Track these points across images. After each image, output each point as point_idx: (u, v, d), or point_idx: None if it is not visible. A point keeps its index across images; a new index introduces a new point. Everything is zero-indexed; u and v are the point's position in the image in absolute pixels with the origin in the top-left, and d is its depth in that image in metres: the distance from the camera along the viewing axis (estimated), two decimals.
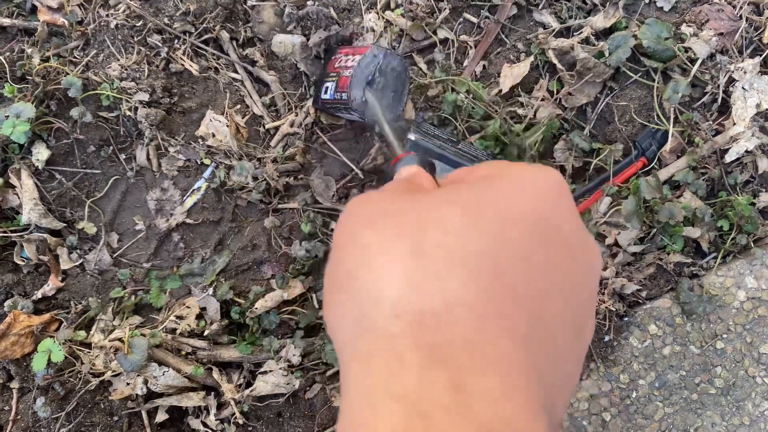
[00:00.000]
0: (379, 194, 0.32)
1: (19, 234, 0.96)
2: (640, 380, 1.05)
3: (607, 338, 1.03)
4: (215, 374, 0.96)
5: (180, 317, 0.97)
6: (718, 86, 1.00)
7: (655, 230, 1.01)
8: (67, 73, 0.94)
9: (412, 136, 0.93)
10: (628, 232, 1.01)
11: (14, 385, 0.95)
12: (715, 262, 1.05)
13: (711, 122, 1.01)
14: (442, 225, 0.27)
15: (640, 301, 1.05)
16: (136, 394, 0.94)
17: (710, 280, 1.05)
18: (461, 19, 1.05)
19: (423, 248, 0.26)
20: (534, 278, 0.27)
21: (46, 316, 0.96)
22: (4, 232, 0.96)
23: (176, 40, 0.98)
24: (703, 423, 1.06)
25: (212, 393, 0.97)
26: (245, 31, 1.00)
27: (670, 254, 1.03)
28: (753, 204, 1.03)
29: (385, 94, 0.92)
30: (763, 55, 0.99)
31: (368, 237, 0.28)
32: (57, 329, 0.96)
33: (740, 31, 1.00)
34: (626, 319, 1.04)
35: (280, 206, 1.01)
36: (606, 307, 1.00)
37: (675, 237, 1.03)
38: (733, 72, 1.00)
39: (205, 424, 0.96)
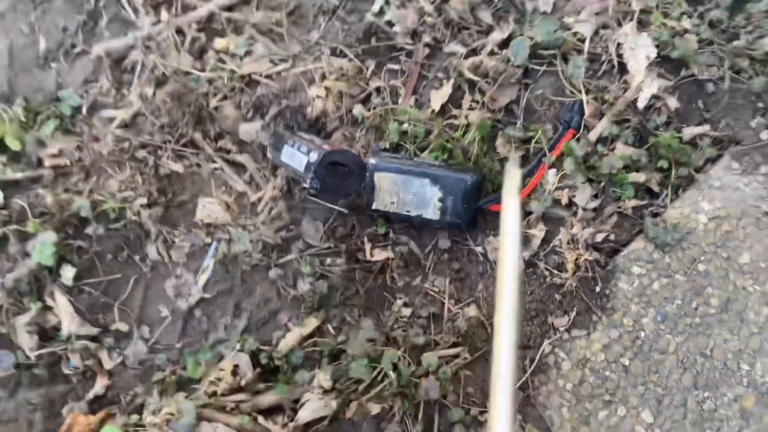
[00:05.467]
0: None
1: (62, 348, 1.08)
2: (643, 319, 1.13)
3: (597, 288, 1.13)
4: (261, 420, 1.04)
5: (218, 379, 1.07)
6: (611, 54, 1.18)
7: (603, 183, 1.14)
8: (75, 200, 1.11)
9: (373, 160, 1.09)
10: (582, 191, 1.14)
11: None
12: (668, 198, 1.17)
13: (617, 83, 1.18)
14: None
15: (617, 248, 1.15)
16: None
17: (670, 214, 1.16)
18: (386, 69, 1.24)
19: None
20: None
21: (102, 414, 1.06)
22: (51, 350, 1.08)
23: (159, 150, 1.17)
24: (716, 342, 1.12)
25: None
26: (214, 128, 1.19)
27: (625, 201, 1.15)
28: (679, 138, 1.17)
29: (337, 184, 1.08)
30: (635, 18, 1.18)
31: None
32: (113, 421, 1.05)
33: (611, 7, 1.20)
34: (609, 267, 1.14)
35: (280, 261, 1.14)
36: (585, 260, 1.11)
37: (624, 185, 1.15)
38: (617, 38, 1.18)
39: None
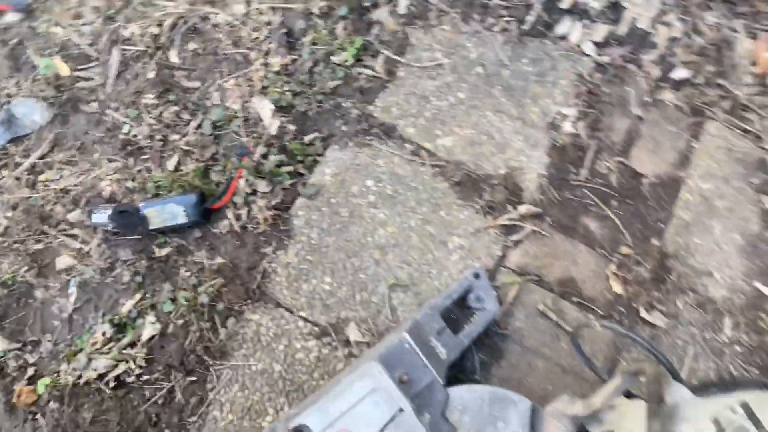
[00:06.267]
0: None
1: (1, 360, 1.93)
2: (312, 234, 2.16)
3: (282, 228, 2.14)
4: (123, 351, 1.93)
5: (95, 342, 1.95)
6: (252, 113, 2.25)
7: (269, 177, 2.18)
8: None
9: (141, 204, 2.06)
10: (259, 184, 2.17)
11: None
12: (309, 173, 2.23)
13: (260, 127, 2.25)
14: None
15: (288, 206, 2.18)
16: None
17: (311, 180, 2.22)
18: (140, 159, 2.24)
19: None
20: None
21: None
22: None
23: (25, 241, 2.07)
24: (352, 234, 2.17)
25: None
26: (55, 220, 2.12)
27: (285, 183, 2.20)
28: (303, 143, 2.24)
29: (126, 222, 2.05)
30: (258, 92, 2.27)
31: None
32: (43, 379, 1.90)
33: (246, 92, 2.28)
34: (287, 216, 2.17)
35: (112, 274, 2.06)
36: (271, 215, 2.12)
37: (281, 175, 2.20)
38: (254, 104, 2.26)
39: None
